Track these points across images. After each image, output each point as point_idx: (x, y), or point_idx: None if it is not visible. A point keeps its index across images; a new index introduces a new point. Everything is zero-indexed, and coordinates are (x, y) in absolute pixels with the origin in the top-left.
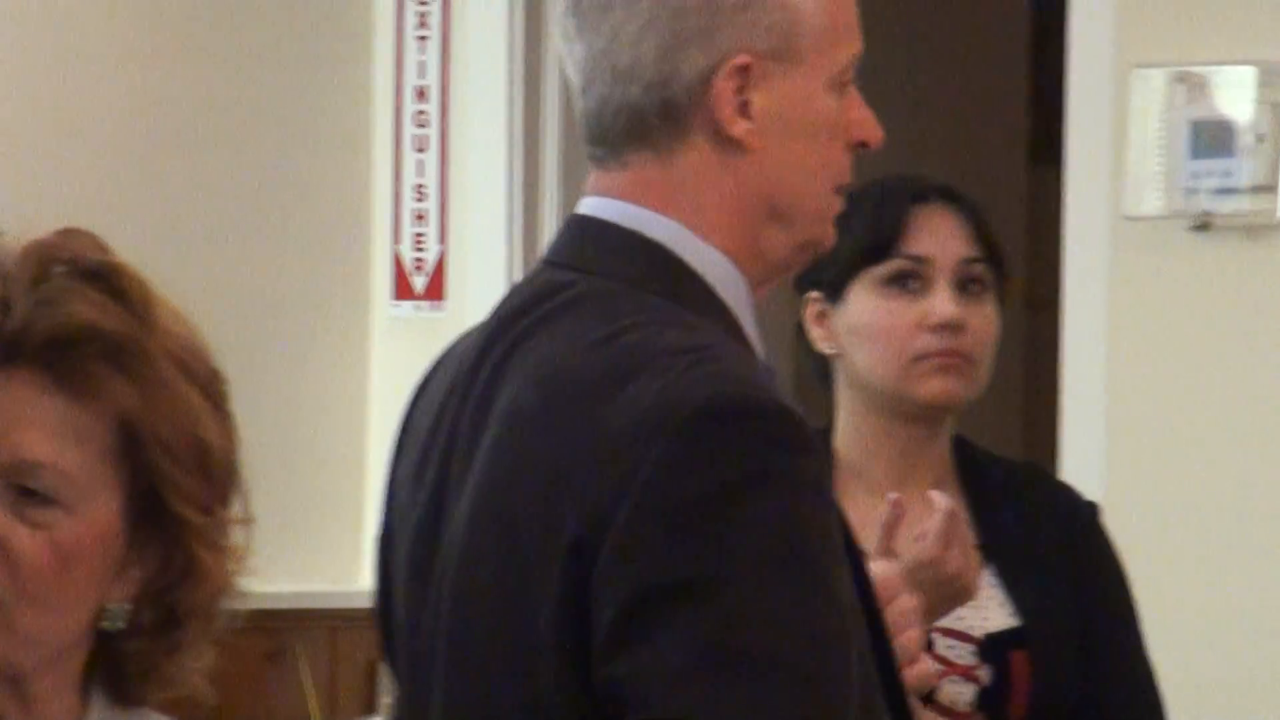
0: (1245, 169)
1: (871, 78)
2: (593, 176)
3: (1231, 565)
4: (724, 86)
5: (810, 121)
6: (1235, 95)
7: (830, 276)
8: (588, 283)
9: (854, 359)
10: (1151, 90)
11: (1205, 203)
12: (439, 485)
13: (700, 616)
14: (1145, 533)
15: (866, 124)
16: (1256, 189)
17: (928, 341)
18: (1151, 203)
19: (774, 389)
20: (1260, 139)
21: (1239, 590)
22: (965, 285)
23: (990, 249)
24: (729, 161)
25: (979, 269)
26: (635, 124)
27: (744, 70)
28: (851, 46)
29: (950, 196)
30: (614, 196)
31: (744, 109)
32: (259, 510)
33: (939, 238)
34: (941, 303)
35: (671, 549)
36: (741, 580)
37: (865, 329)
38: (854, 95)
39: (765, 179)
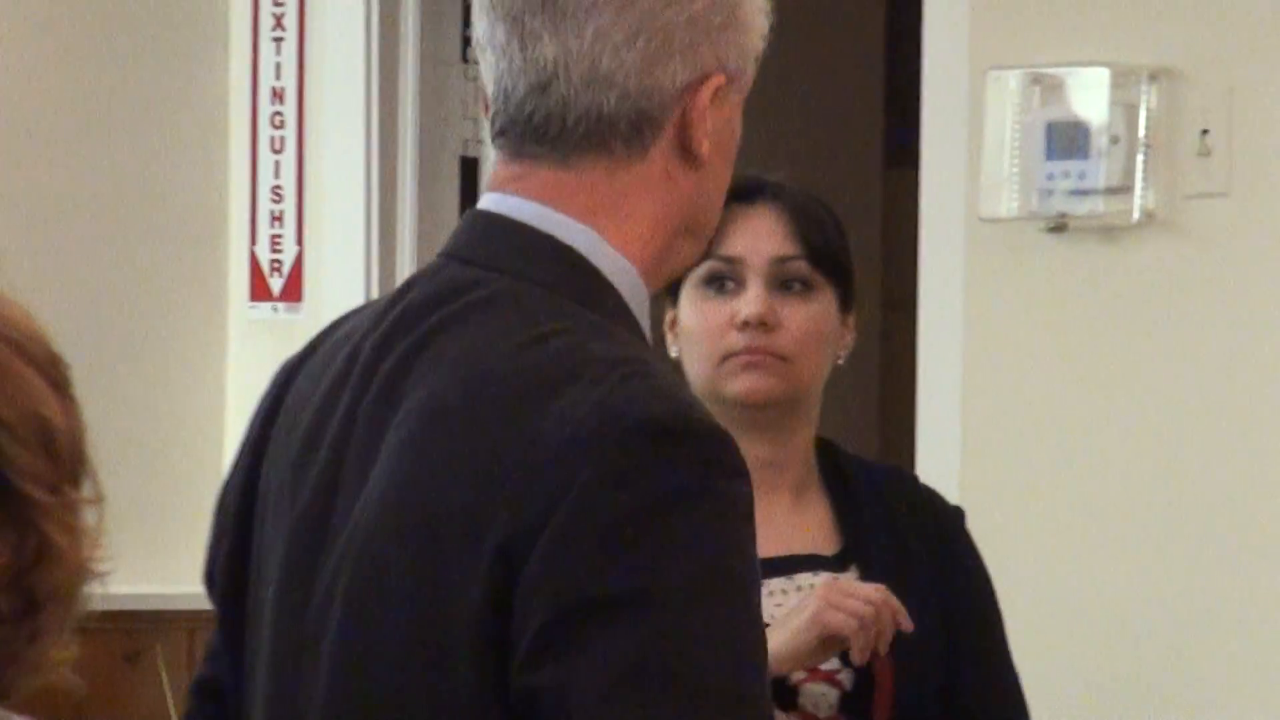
0: (1100, 170)
1: None
2: (510, 172)
3: (1085, 565)
4: (704, 103)
5: (734, 140)
6: (1089, 97)
7: (673, 281)
8: (501, 282)
9: (683, 361)
10: (1006, 92)
11: (1060, 204)
12: (330, 474)
13: (629, 632)
14: (999, 532)
15: None
16: (1111, 190)
17: (736, 339)
18: (1007, 204)
19: (705, 409)
20: (1115, 140)
21: (1092, 589)
22: (784, 284)
23: (813, 247)
24: (679, 176)
25: (799, 267)
26: (599, 130)
27: (720, 89)
28: None
29: (776, 194)
30: (529, 198)
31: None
32: (116, 511)
33: (752, 237)
34: (748, 301)
35: (603, 563)
36: (671, 598)
37: (687, 330)
38: None
39: (701, 195)
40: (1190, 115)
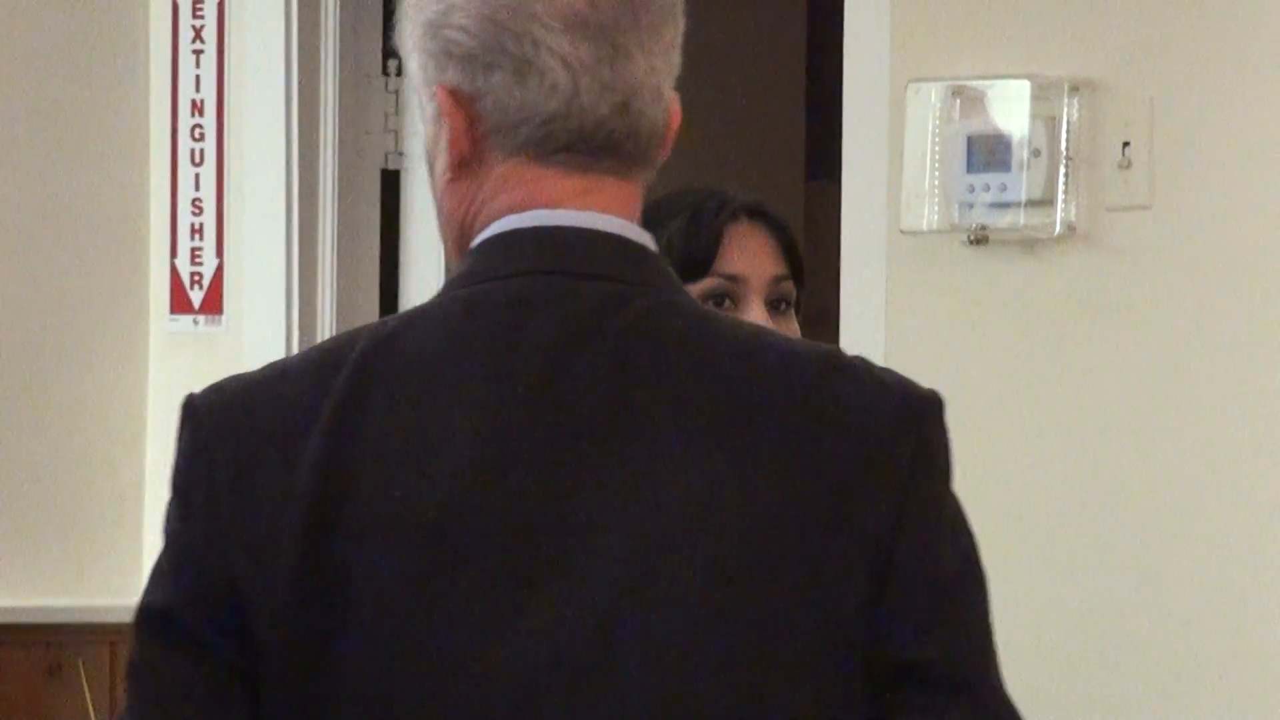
0: (1021, 183)
1: None
2: (575, 186)
3: (1006, 577)
4: (679, 118)
5: None
6: (1011, 109)
7: None
8: (652, 292)
9: None
10: (927, 104)
11: (982, 217)
12: (549, 492)
13: (976, 601)
14: None
15: None
16: (1033, 203)
17: None
18: (928, 217)
19: None
20: (1036, 153)
21: (1013, 601)
22: (775, 303)
23: (796, 266)
24: None
25: (789, 287)
26: (654, 144)
27: None
28: None
29: (759, 213)
30: (605, 211)
31: None
32: (37, 524)
33: (752, 256)
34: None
35: (948, 541)
36: (976, 563)
37: None
38: None
39: None
40: (1112, 127)
